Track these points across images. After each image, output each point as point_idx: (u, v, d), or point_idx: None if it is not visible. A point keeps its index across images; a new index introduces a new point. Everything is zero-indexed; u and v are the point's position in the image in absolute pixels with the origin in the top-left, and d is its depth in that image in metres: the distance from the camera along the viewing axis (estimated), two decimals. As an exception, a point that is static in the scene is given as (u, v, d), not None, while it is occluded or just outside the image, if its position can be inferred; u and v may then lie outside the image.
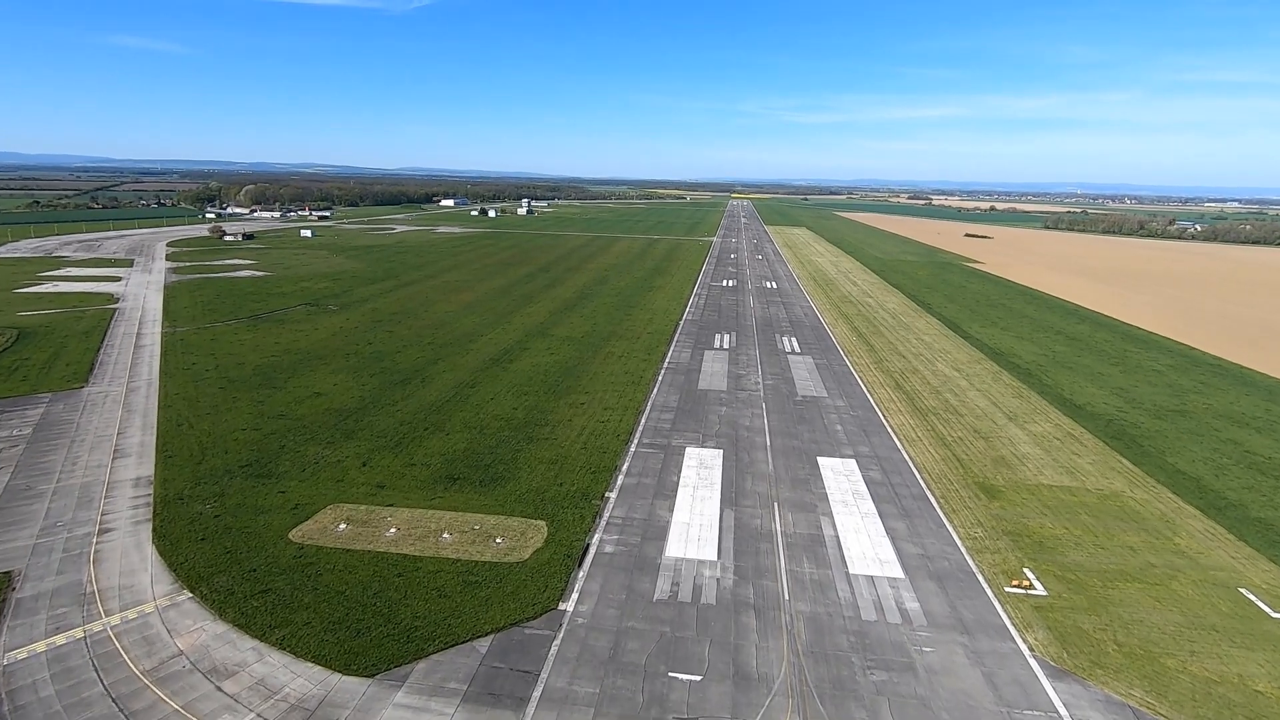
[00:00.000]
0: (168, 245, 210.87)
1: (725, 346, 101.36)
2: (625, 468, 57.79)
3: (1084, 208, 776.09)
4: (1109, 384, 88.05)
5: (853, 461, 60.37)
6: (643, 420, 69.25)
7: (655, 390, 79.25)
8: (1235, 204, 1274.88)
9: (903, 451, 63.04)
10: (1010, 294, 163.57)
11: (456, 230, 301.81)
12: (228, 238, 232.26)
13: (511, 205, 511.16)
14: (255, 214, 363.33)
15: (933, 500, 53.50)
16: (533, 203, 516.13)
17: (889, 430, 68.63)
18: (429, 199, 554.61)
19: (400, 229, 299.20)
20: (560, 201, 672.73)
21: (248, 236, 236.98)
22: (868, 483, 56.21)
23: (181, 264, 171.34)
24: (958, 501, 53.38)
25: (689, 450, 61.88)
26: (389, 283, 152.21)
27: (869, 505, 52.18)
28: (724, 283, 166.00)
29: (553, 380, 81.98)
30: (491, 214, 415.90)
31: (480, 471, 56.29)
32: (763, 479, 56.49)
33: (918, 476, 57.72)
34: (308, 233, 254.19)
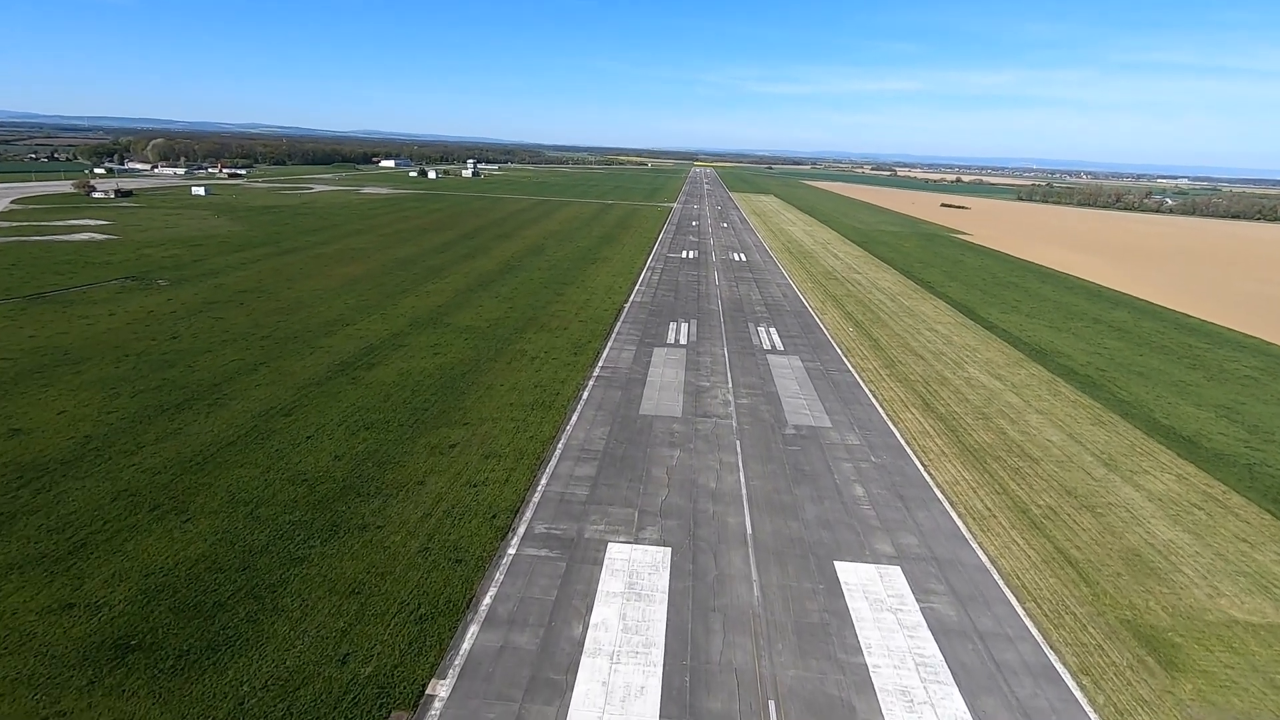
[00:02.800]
0: (12, 203, 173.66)
1: (682, 341, 74.63)
2: (487, 603, 30.83)
3: (1048, 181, 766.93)
4: (1205, 399, 64.24)
5: (897, 572, 34.52)
6: (543, 480, 42.22)
7: (574, 418, 52.16)
8: (1185, 180, 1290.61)
9: (974, 546, 37.41)
10: (1016, 270, 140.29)
11: (384, 191, 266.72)
12: (97, 195, 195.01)
13: (457, 167, 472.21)
14: (156, 170, 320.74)
15: (1066, 677, 27.97)
16: (479, 165, 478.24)
17: (938, 494, 43.01)
18: (367, 159, 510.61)
19: (318, 189, 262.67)
20: (513, 165, 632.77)
21: (124, 193, 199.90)
22: (935, 629, 30.38)
23: (6, 224, 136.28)
24: (1115, 681, 27.93)
25: (612, 550, 35.20)
26: (264, 250, 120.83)
27: (956, 703, 26.34)
28: (684, 254, 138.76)
29: (422, 401, 54.14)
30: (432, 175, 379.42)
31: (194, 626, 28.63)
32: (742, 623, 30.22)
33: (1018, 609, 32.14)
34: (200, 190, 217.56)
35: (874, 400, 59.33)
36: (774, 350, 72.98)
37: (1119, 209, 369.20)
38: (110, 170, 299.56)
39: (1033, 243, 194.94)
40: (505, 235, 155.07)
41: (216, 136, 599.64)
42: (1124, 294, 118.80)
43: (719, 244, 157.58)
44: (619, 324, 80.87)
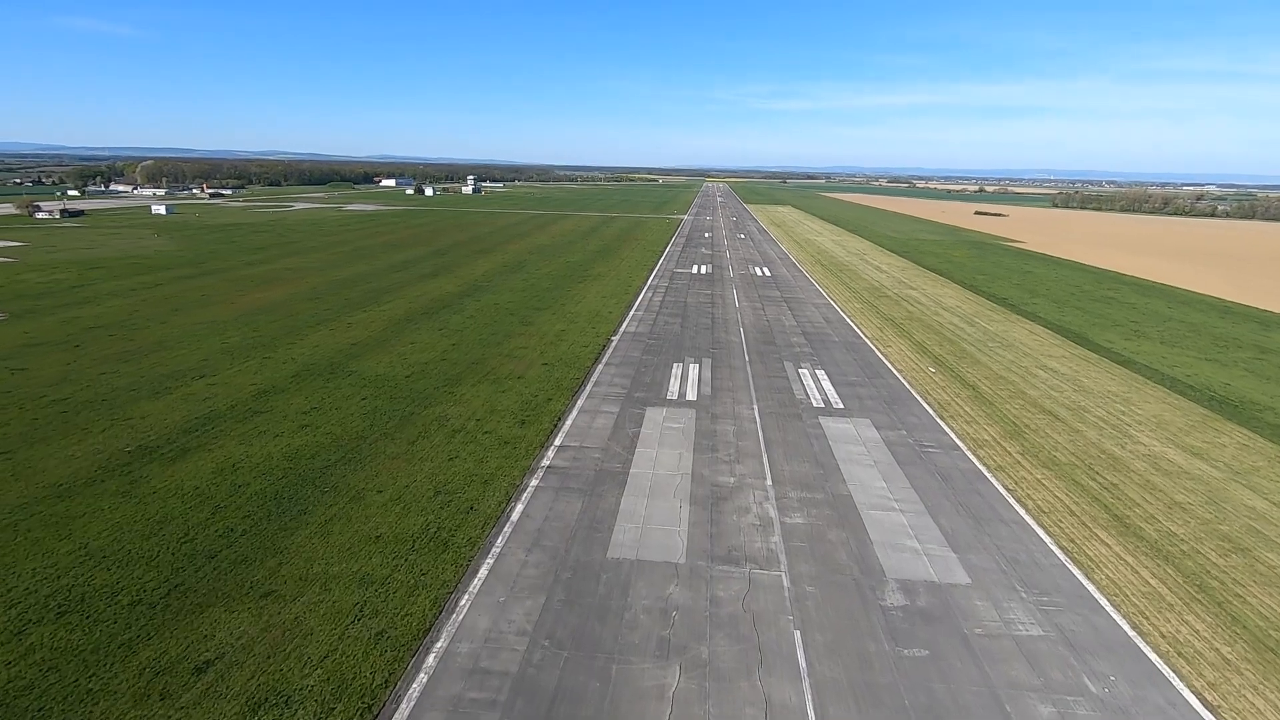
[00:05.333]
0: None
1: (690, 395, 50.11)
2: None
3: (1078, 190, 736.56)
4: None
5: None
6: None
7: (483, 572, 27.69)
8: (1212, 187, 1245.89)
9: None
10: (1104, 282, 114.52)
11: (369, 208, 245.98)
12: (40, 215, 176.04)
13: (457, 185, 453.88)
14: (136, 191, 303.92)
15: None
16: (480, 181, 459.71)
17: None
18: (368, 179, 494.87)
19: (298, 206, 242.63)
20: (520, 183, 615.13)
21: (72, 214, 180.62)
22: None
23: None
24: None
25: None
26: (179, 271, 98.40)
27: None
28: (695, 269, 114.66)
29: (215, 536, 29.97)
30: (429, 192, 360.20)
31: None
32: None
33: None
34: (161, 209, 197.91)
35: (1022, 511, 34.28)
36: (830, 410, 48.12)
37: (1168, 214, 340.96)
38: (84, 192, 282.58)
39: (1094, 248, 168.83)
40: (483, 251, 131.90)
41: (209, 160, 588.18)
42: (1257, 309, 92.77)
43: (736, 257, 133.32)
44: (600, 367, 56.57)
